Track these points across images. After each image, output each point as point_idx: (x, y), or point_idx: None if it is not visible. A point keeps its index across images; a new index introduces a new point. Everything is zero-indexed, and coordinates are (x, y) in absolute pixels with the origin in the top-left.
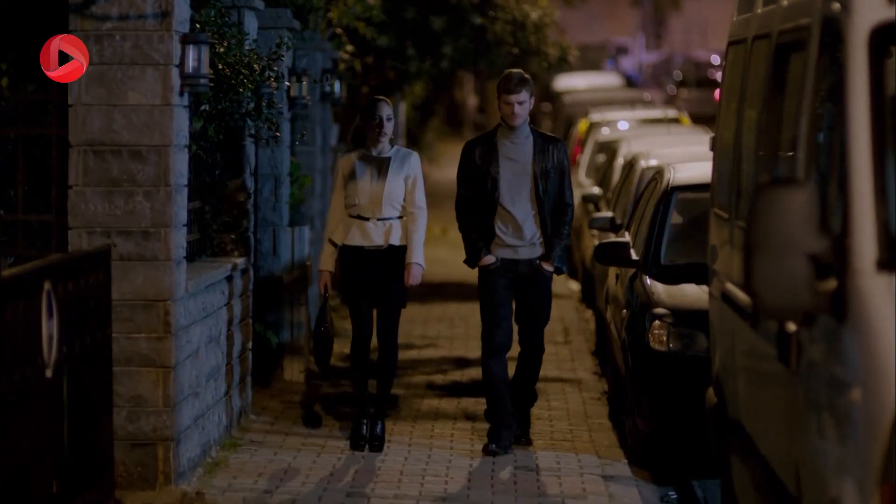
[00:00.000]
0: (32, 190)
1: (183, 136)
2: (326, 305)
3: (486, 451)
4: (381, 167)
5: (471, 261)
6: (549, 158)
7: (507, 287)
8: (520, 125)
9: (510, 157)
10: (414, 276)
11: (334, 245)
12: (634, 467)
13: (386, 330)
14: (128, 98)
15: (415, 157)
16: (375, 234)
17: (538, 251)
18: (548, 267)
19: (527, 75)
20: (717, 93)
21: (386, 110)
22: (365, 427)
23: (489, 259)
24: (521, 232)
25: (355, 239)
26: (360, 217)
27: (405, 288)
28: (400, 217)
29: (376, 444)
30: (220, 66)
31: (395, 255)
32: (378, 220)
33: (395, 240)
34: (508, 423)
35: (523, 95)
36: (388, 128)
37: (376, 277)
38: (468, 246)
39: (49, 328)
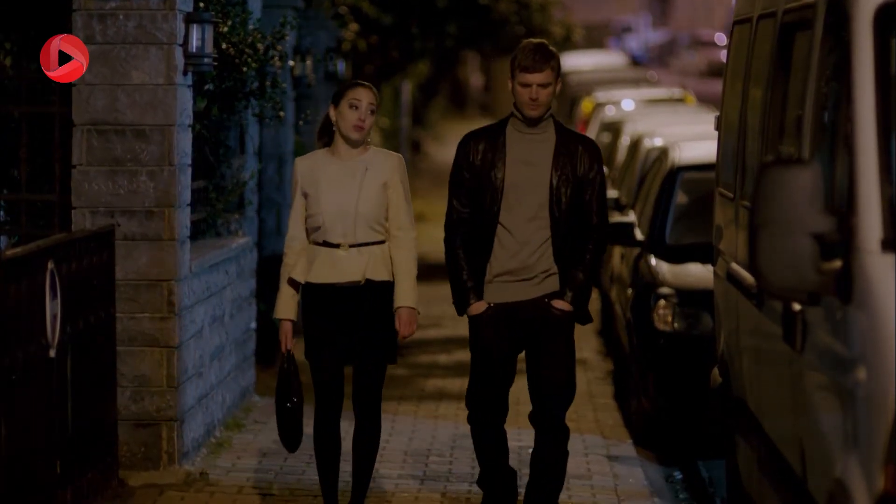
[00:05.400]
0: (36, 169)
1: (186, 116)
2: (292, 368)
3: None
4: (355, 175)
5: (458, 305)
6: (575, 163)
7: (507, 345)
8: (540, 117)
9: (523, 160)
10: (407, 324)
11: (295, 284)
12: (639, 447)
13: (365, 396)
14: (131, 77)
15: (398, 161)
16: (349, 267)
17: (549, 287)
18: (561, 306)
19: (552, 48)
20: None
21: (369, 96)
22: None
23: (480, 307)
24: (527, 262)
25: (322, 274)
26: (327, 244)
27: (394, 338)
28: (382, 241)
29: None
30: (224, 46)
31: (378, 294)
32: (352, 246)
33: (377, 273)
34: (509, 492)
35: (547, 75)
36: (369, 121)
37: (351, 324)
38: (455, 285)
39: (52, 308)
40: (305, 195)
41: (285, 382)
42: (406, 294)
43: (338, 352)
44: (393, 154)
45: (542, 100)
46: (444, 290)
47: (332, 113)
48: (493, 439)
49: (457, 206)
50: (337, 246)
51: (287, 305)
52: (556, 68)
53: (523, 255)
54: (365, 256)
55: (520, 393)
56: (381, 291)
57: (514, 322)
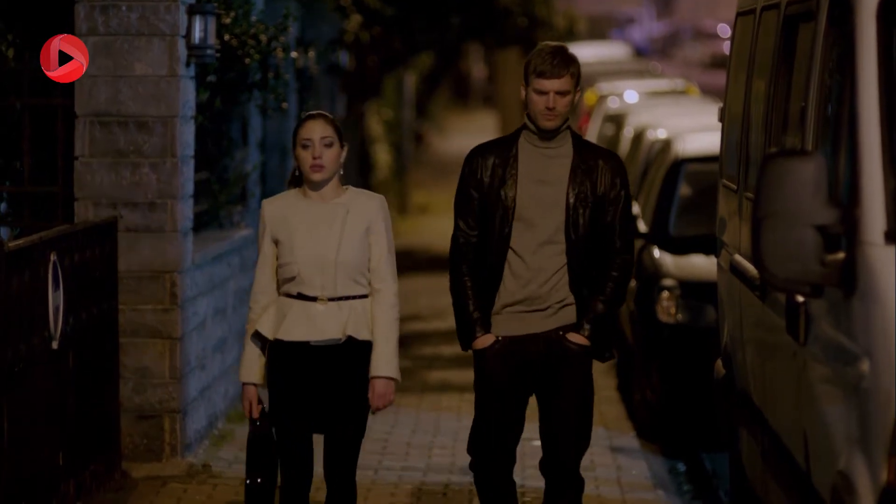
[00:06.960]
0: (38, 161)
1: (189, 107)
2: (267, 438)
3: None
4: (335, 219)
5: (462, 339)
6: (595, 180)
7: (518, 384)
8: (556, 129)
9: (536, 178)
10: (381, 397)
11: (261, 341)
12: (643, 439)
13: (339, 471)
14: (134, 69)
15: (380, 203)
16: (328, 323)
17: (565, 319)
18: (577, 340)
19: (571, 52)
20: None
21: (320, 130)
22: None
23: (486, 340)
24: (540, 292)
25: (296, 330)
26: (302, 296)
27: (367, 406)
28: (365, 296)
29: None
30: (227, 37)
31: (358, 355)
32: (331, 300)
33: (359, 331)
34: None
35: (566, 82)
36: (328, 157)
37: (326, 388)
38: (460, 316)
39: (55, 300)
40: (276, 242)
41: (260, 453)
42: (384, 362)
43: (307, 419)
44: (375, 195)
45: (559, 109)
46: (447, 282)
47: (294, 156)
48: (501, 492)
49: (464, 229)
50: (314, 299)
51: (252, 368)
52: (577, 75)
53: (536, 283)
54: (345, 311)
55: None
56: (361, 352)
57: (525, 358)
